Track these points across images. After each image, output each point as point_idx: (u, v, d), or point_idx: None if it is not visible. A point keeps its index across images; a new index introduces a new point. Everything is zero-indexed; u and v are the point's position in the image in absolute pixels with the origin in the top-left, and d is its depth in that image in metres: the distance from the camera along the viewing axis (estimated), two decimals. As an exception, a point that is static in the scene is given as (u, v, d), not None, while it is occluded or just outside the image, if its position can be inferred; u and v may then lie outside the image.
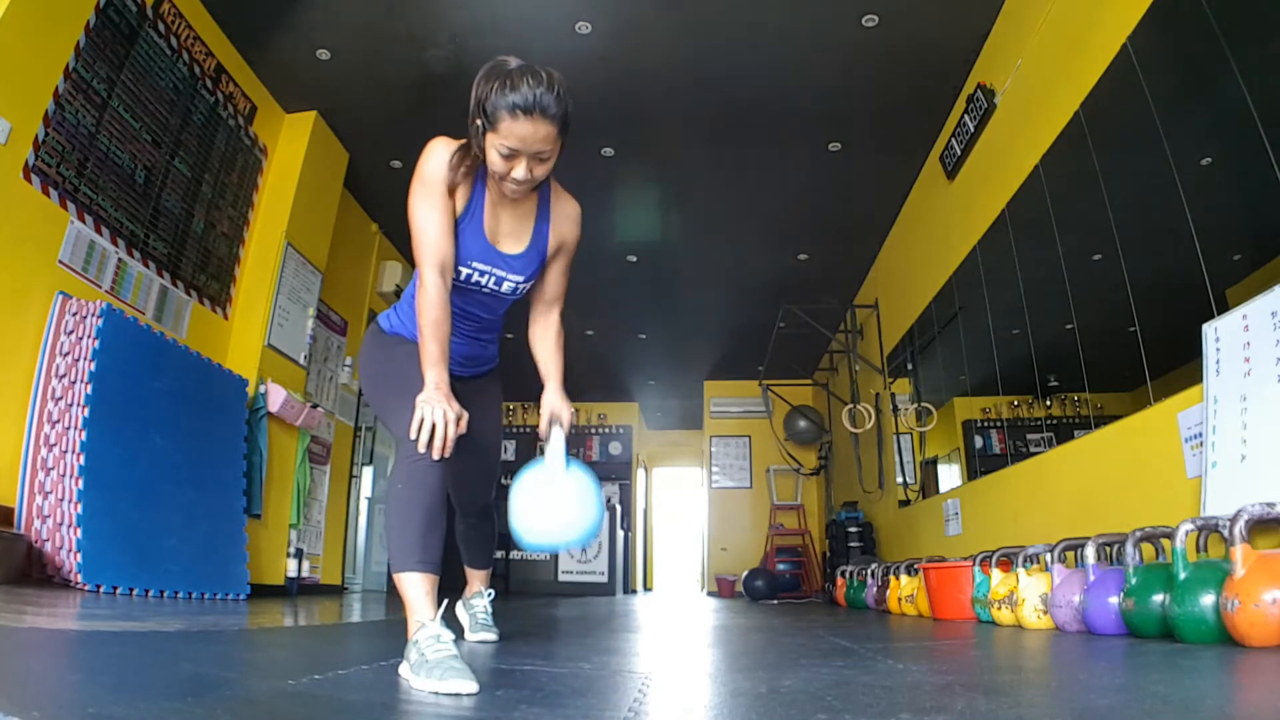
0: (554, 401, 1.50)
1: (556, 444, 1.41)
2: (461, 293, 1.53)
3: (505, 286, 1.54)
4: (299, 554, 4.26)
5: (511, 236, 1.51)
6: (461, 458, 1.46)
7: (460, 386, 1.51)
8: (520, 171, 1.34)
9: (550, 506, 1.34)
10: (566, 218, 1.57)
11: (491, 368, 1.83)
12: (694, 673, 1.46)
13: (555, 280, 1.61)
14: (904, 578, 3.68)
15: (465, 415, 1.33)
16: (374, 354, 1.64)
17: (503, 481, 1.72)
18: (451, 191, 1.43)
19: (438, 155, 1.42)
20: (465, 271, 1.49)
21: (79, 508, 2.58)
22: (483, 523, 1.97)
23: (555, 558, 7.70)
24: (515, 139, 1.30)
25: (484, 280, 1.51)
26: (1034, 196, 3.32)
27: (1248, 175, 2.13)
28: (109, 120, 3.14)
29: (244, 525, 3.53)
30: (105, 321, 2.84)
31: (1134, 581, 1.89)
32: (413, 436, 1.29)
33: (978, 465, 4.08)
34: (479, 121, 1.33)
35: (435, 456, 1.29)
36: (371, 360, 1.64)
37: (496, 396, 1.87)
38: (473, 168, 1.44)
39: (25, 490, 2.63)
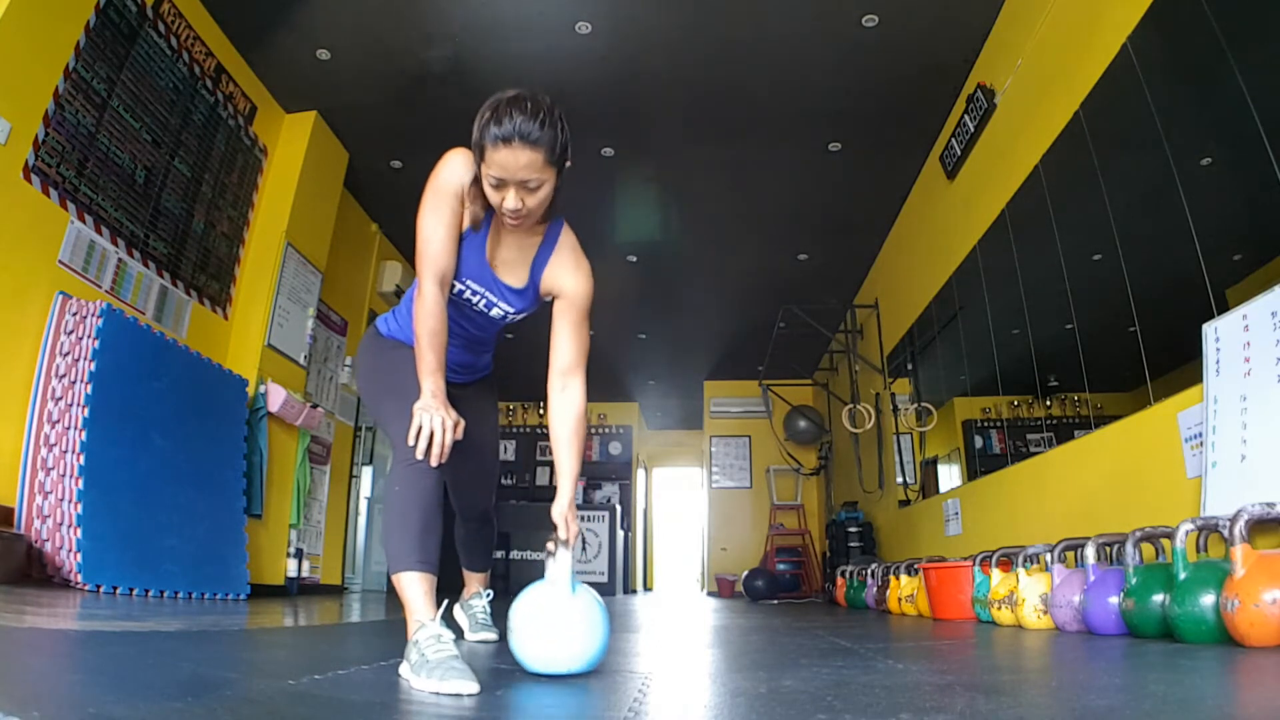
0: (561, 516, 1.37)
1: (563, 564, 1.31)
2: (455, 305, 1.52)
3: (495, 312, 1.52)
4: (299, 554, 4.26)
5: (508, 265, 1.49)
6: (461, 464, 1.46)
7: (456, 392, 1.50)
8: (510, 201, 1.30)
9: (555, 633, 1.25)
10: (567, 267, 1.48)
11: (486, 374, 1.84)
12: (694, 673, 1.46)
13: (564, 342, 1.47)
14: (904, 578, 3.68)
15: (462, 422, 1.33)
16: (372, 358, 1.64)
17: (502, 494, 1.70)
18: (464, 206, 1.42)
19: (452, 166, 1.39)
20: (459, 287, 1.48)
21: (79, 508, 2.58)
22: (483, 527, 1.98)
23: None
24: (498, 167, 1.27)
25: (475, 300, 1.50)
26: (1034, 196, 3.32)
27: (1248, 175, 2.13)
28: (109, 120, 3.14)
29: (244, 525, 3.53)
30: (105, 321, 2.84)
31: (1134, 581, 1.89)
32: (410, 444, 1.29)
33: (978, 465, 4.08)
34: (477, 156, 1.32)
35: (433, 463, 1.29)
36: (369, 365, 1.64)
37: (492, 402, 1.88)
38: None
39: (25, 490, 2.63)
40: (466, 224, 1.43)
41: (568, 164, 1.33)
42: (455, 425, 1.31)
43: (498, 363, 1.89)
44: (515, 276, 1.50)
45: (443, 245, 1.39)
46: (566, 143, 1.30)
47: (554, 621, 1.25)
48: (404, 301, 1.64)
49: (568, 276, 1.48)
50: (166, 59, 3.46)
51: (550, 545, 1.35)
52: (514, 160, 1.26)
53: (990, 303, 3.86)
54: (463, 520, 1.94)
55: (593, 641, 1.27)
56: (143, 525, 2.87)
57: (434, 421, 1.28)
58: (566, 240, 1.50)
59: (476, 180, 1.38)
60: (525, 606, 1.28)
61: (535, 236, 1.48)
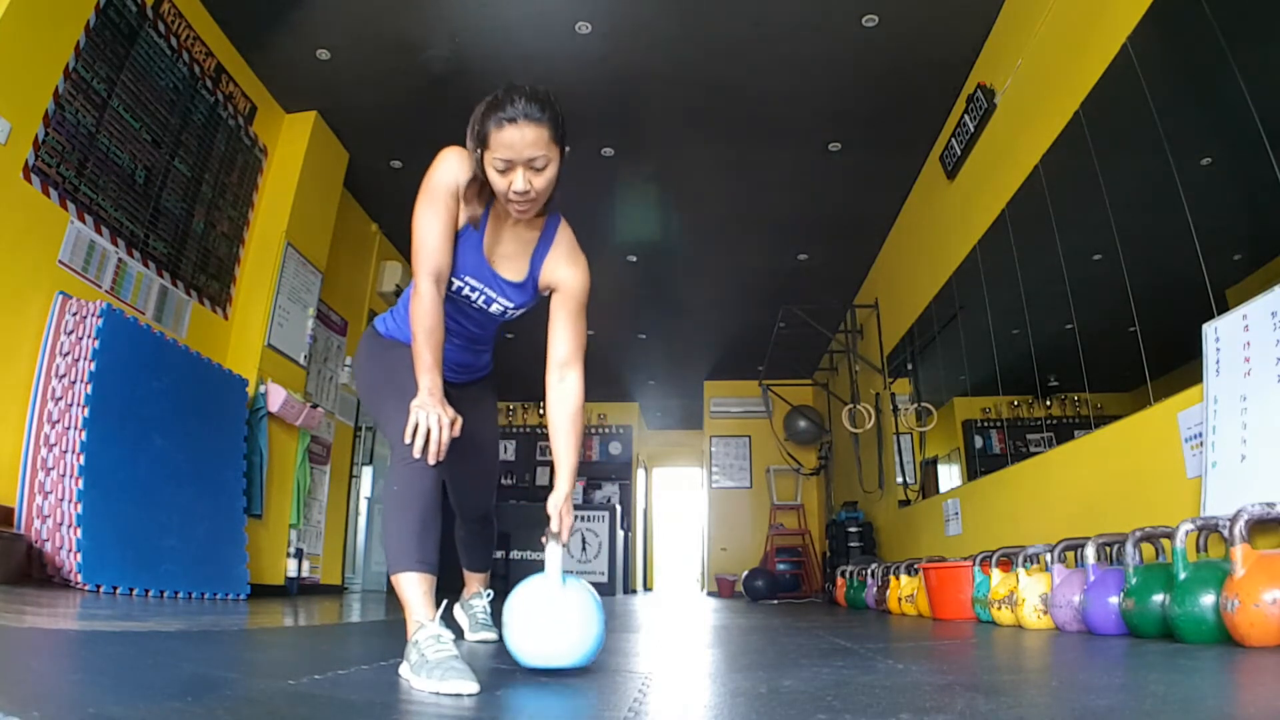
0: (554, 509, 1.38)
1: (553, 558, 1.31)
2: (453, 303, 1.52)
3: (494, 308, 1.53)
4: (299, 554, 4.26)
5: (508, 260, 1.50)
6: (460, 464, 1.46)
7: (455, 392, 1.50)
8: (519, 182, 1.31)
9: (548, 628, 1.25)
10: (565, 260, 1.49)
11: (485, 374, 1.83)
12: (694, 673, 1.46)
13: (561, 335, 1.48)
14: (904, 578, 3.68)
15: (459, 419, 1.33)
16: (370, 358, 1.64)
17: (502, 495, 1.70)
18: (459, 204, 1.42)
19: (446, 165, 1.40)
20: (457, 284, 1.48)
21: (79, 508, 2.58)
22: (483, 528, 1.98)
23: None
24: (505, 148, 1.29)
25: (474, 296, 1.51)
26: (1034, 196, 3.32)
27: (1248, 175, 2.13)
28: (109, 120, 3.14)
29: (244, 525, 3.53)
30: (105, 321, 2.84)
31: (1134, 581, 1.89)
32: (407, 442, 1.29)
33: (978, 465, 4.08)
34: (477, 148, 1.33)
35: (430, 462, 1.29)
36: (367, 364, 1.64)
37: (492, 402, 1.87)
38: (484, 189, 1.43)
39: (25, 490, 2.63)
40: (463, 222, 1.44)
41: (566, 149, 1.35)
42: (452, 422, 1.31)
43: (497, 363, 1.89)
44: (514, 271, 1.50)
45: (439, 243, 1.40)
46: (565, 124, 1.33)
47: (544, 614, 1.27)
48: (402, 301, 1.64)
49: (566, 269, 1.50)
50: (166, 59, 3.46)
51: (544, 539, 1.36)
52: (521, 138, 1.28)
53: (990, 303, 3.86)
54: (463, 520, 1.94)
55: (584, 635, 1.27)
56: (143, 525, 2.87)
57: (430, 419, 1.28)
58: (564, 234, 1.53)
59: (473, 179, 1.39)
60: (516, 601, 1.30)
61: (534, 231, 1.49)
